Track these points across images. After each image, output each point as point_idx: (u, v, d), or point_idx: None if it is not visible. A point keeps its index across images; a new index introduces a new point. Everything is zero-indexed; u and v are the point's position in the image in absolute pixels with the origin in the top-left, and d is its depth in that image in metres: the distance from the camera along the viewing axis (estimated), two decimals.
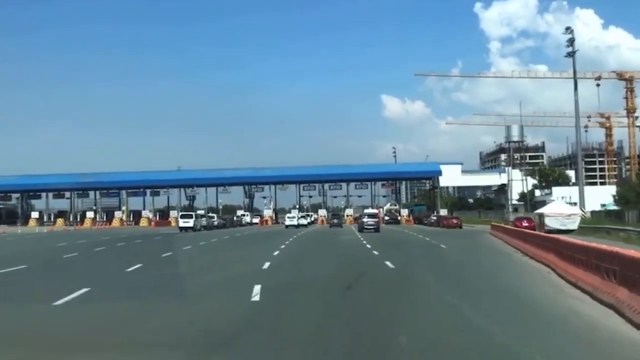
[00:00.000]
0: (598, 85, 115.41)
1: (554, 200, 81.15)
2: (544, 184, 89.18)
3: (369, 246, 30.40)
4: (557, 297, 11.96)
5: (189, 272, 17.19)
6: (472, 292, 12.56)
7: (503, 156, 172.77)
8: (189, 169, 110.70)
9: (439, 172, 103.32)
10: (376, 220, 58.96)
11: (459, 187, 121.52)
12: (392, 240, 39.34)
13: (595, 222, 49.71)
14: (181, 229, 61.85)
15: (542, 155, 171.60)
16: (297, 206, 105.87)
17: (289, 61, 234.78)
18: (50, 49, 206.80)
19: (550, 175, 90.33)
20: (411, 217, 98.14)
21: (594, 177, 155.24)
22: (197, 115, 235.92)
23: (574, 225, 47.25)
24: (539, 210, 52.07)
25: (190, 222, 62.44)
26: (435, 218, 79.03)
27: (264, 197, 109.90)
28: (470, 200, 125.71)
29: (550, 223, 47.19)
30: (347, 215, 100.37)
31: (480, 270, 17.71)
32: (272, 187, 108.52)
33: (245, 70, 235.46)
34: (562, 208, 49.94)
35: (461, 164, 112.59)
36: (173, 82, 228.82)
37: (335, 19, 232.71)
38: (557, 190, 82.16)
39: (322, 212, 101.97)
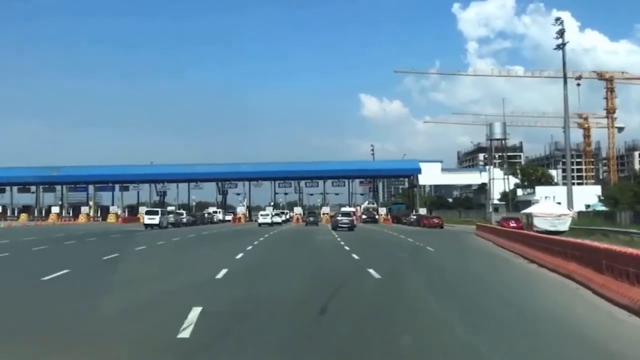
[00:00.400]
0: (578, 85, 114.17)
1: (537, 200, 78.49)
2: (526, 183, 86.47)
3: (347, 248, 26.89)
4: (615, 328, 8.55)
5: (120, 283, 13.45)
6: (492, 322, 9.04)
7: (481, 156, 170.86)
8: (160, 164, 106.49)
9: (419, 170, 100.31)
10: (351, 218, 57.21)
11: (436, 186, 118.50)
12: (373, 242, 35.99)
13: (587, 223, 46.83)
14: (146, 226, 57.88)
15: (520, 155, 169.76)
16: (272, 203, 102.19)
17: (267, 61, 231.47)
18: (18, 42, 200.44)
19: (533, 174, 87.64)
20: (389, 216, 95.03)
21: (572, 177, 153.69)
22: (172, 112, 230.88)
23: (564, 226, 44.27)
24: (527, 210, 49.03)
25: (155, 219, 58.47)
26: (415, 217, 75.85)
27: (238, 194, 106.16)
28: (449, 200, 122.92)
29: (539, 224, 44.18)
30: (324, 214, 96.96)
31: (488, 284, 14.16)
32: (247, 183, 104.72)
33: (224, 69, 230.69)
34: (552, 208, 46.91)
35: (441, 162, 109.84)
36: (151, 79, 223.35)
37: (311, 20, 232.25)
38: (540, 190, 79.44)
39: (298, 210, 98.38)
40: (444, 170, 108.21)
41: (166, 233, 47.19)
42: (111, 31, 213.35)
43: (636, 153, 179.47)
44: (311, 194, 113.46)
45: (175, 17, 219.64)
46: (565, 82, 54.77)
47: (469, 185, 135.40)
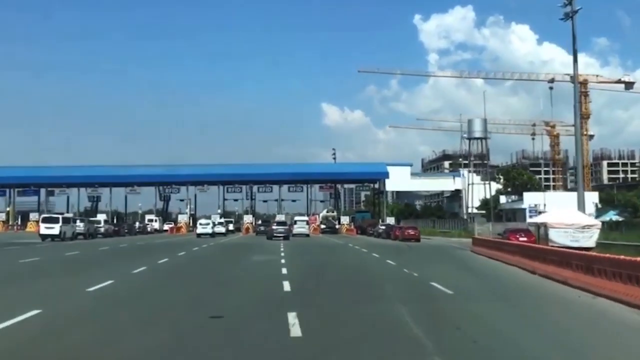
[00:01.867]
0: (551, 88, 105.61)
1: (524, 208, 67.51)
2: (509, 189, 75.37)
3: (289, 282, 14.70)
4: None
5: None
6: None
7: (447, 163, 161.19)
8: (91, 165, 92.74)
9: (386, 174, 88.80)
10: (286, 227, 56.04)
11: (399, 193, 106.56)
12: (337, 266, 23.98)
13: (620, 238, 35.49)
14: (43, 237, 44.82)
15: (486, 164, 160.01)
16: (220, 211, 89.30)
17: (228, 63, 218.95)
18: None
19: (518, 179, 76.55)
20: (353, 226, 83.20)
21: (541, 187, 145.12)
22: (115, 114, 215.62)
23: (590, 241, 32.84)
24: (538, 220, 37.42)
25: (55, 229, 45.36)
26: (383, 228, 64.02)
27: (182, 200, 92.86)
28: (417, 208, 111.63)
29: (557, 238, 32.68)
30: (277, 222, 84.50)
31: None
32: (192, 188, 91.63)
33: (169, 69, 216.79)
34: (573, 217, 35.19)
35: (410, 165, 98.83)
36: (92, 78, 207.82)
37: (271, 25, 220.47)
38: (529, 197, 68.29)
39: (248, 219, 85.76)
40: (413, 175, 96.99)
41: (53, 248, 34.44)
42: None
43: (604, 162, 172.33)
44: (265, 201, 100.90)
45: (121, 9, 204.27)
46: (575, 60, 43.48)
47: (438, 194, 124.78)
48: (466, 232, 62.91)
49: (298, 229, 62.41)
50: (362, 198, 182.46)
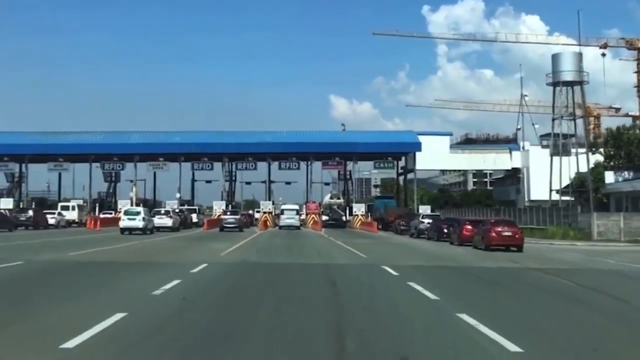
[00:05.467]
0: (603, 55, 79.37)
1: None
2: (620, 163, 48.08)
3: None
4: None
5: None
6: None
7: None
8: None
9: (417, 146, 62.01)
10: (237, 217, 46.27)
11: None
12: None
13: None
14: None
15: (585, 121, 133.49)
16: (179, 195, 62.79)
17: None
18: None
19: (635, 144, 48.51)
20: (370, 218, 57.15)
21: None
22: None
23: None
24: None
25: None
26: (428, 222, 37.40)
27: (131, 181, 66.09)
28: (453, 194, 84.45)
29: None
30: (263, 212, 58.28)
31: None
32: (144, 165, 65.16)
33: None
34: None
35: (450, 134, 71.79)
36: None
37: (277, 17, 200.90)
38: None
39: (218, 205, 59.43)
40: (454, 147, 70.07)
41: None
42: None
43: None
44: (248, 183, 74.41)
45: None
46: None
47: (460, 182, 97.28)
48: (576, 230, 36.09)
49: (286, 219, 49.80)
50: (374, 182, 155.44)
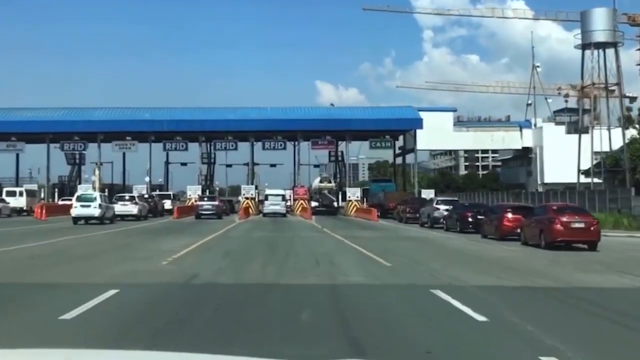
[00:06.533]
0: None
1: None
2: None
3: None
4: None
5: None
6: None
7: None
8: None
9: (418, 123, 54.79)
10: (215, 204, 41.62)
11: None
12: None
13: None
14: None
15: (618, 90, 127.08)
16: (148, 179, 55.17)
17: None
18: None
19: None
20: (365, 204, 50.29)
21: None
22: None
23: None
24: None
25: None
26: (446, 209, 30.26)
27: (95, 163, 58.15)
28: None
29: None
30: (245, 198, 50.98)
31: None
32: (109, 145, 57.36)
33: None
34: None
35: (454, 110, 64.58)
36: None
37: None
38: None
39: (193, 190, 52.02)
40: (458, 125, 62.89)
41: None
42: None
43: None
44: (229, 165, 66.76)
45: None
46: None
47: (451, 166, 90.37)
48: (630, 218, 29.08)
49: (270, 206, 45.09)
50: (363, 167, 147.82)
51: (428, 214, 31.62)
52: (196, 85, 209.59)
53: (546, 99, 65.76)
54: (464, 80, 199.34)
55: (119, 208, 36.60)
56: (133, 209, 37.66)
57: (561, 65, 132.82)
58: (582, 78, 44.43)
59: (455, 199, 35.15)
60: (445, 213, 30.09)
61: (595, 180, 44.27)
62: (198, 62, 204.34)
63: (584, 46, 43.91)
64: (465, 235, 25.06)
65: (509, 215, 21.82)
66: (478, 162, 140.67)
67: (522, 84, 72.57)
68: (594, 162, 44.32)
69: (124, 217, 36.17)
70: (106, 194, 43.44)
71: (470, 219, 26.48)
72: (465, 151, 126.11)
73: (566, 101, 63.50)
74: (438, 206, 31.19)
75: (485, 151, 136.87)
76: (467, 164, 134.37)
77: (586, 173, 44.13)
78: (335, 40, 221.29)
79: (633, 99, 78.73)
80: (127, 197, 40.28)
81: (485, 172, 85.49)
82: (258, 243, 19.44)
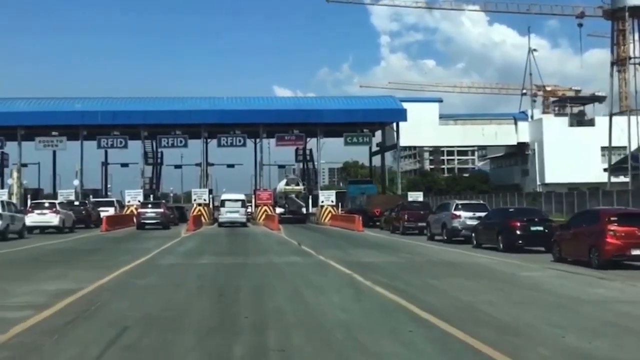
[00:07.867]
0: (580, 25, 64.30)
1: None
2: None
3: None
4: None
5: None
6: None
7: None
8: None
9: (401, 114, 46.55)
10: (159, 211, 35.32)
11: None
12: None
13: None
14: None
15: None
16: (77, 182, 45.48)
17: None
18: None
19: None
20: (341, 209, 41.93)
21: None
22: None
23: None
24: None
25: None
26: (470, 219, 21.70)
27: (15, 164, 48.11)
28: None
29: None
30: (197, 204, 42.01)
31: None
32: (33, 143, 47.45)
33: None
34: None
35: (440, 101, 56.47)
36: None
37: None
38: None
39: (132, 195, 42.73)
40: (444, 118, 54.75)
41: None
42: None
43: None
44: (178, 166, 57.40)
45: None
46: None
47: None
48: None
49: (227, 214, 38.19)
50: (323, 172, 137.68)
51: (444, 223, 23.02)
52: (149, 93, 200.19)
53: (544, 85, 58.14)
54: (419, 86, 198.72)
55: (35, 218, 29.46)
56: (53, 219, 29.74)
57: (517, 68, 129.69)
58: (611, 52, 36.63)
59: (482, 202, 26.71)
60: (469, 222, 21.66)
61: (617, 179, 36.62)
62: (147, 70, 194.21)
63: (613, 12, 36.27)
64: (521, 257, 16.56)
65: (615, 227, 13.36)
66: (443, 165, 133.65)
67: (485, 84, 67.99)
68: (613, 158, 36.63)
69: (43, 230, 29.21)
70: (14, 200, 34.25)
71: (518, 232, 18.09)
72: (435, 151, 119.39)
73: (534, 101, 57.27)
74: (458, 212, 22.60)
75: (450, 152, 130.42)
76: (432, 167, 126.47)
77: (614, 170, 36.37)
78: (293, 45, 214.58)
79: None
80: (46, 205, 31.23)
81: (466, 174, 77.33)
82: (198, 292, 10.34)
